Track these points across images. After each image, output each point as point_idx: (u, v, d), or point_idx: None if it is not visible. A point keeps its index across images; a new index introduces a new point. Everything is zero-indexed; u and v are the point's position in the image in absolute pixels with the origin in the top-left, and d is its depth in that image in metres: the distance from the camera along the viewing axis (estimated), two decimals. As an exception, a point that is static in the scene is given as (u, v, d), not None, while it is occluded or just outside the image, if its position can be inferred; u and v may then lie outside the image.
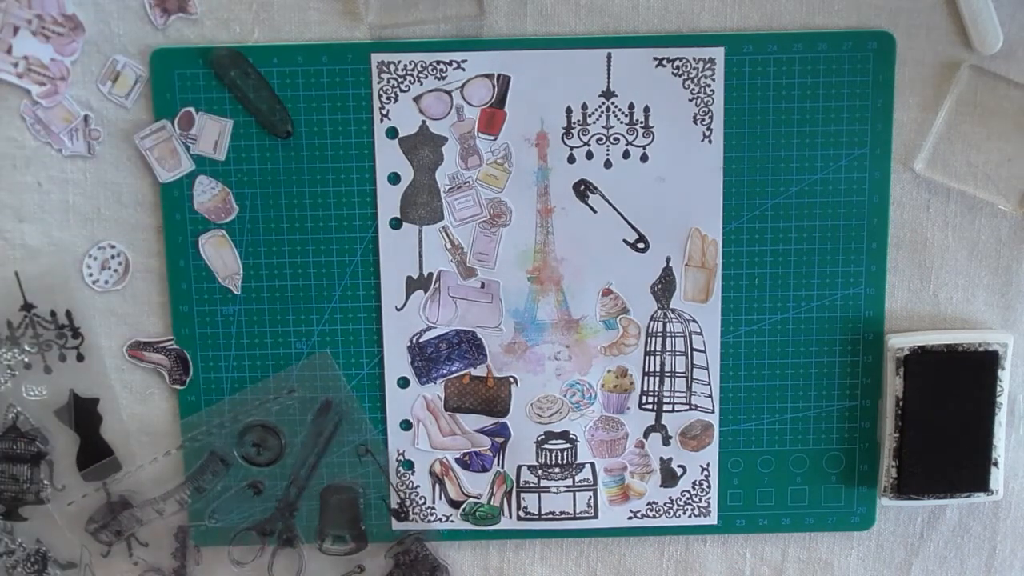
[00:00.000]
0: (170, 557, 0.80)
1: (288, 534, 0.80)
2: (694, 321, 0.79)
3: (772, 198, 0.77)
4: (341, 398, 0.79)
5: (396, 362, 0.79)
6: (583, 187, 0.77)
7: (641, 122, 0.76)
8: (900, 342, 0.77)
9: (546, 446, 0.81)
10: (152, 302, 0.78)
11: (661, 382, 0.80)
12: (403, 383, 0.79)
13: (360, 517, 0.81)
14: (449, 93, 0.76)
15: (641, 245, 0.78)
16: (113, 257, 0.78)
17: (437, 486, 0.81)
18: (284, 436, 0.79)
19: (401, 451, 0.81)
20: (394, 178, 0.77)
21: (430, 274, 0.78)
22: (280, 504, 0.80)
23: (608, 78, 0.75)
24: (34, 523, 0.80)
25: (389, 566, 0.82)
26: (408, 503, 0.81)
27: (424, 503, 0.81)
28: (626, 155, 0.76)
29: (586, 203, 0.77)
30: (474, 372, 0.80)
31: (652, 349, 0.79)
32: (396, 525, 0.81)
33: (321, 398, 0.79)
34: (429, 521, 0.82)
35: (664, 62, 0.75)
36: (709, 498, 0.82)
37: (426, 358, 0.79)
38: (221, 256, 0.78)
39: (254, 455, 0.79)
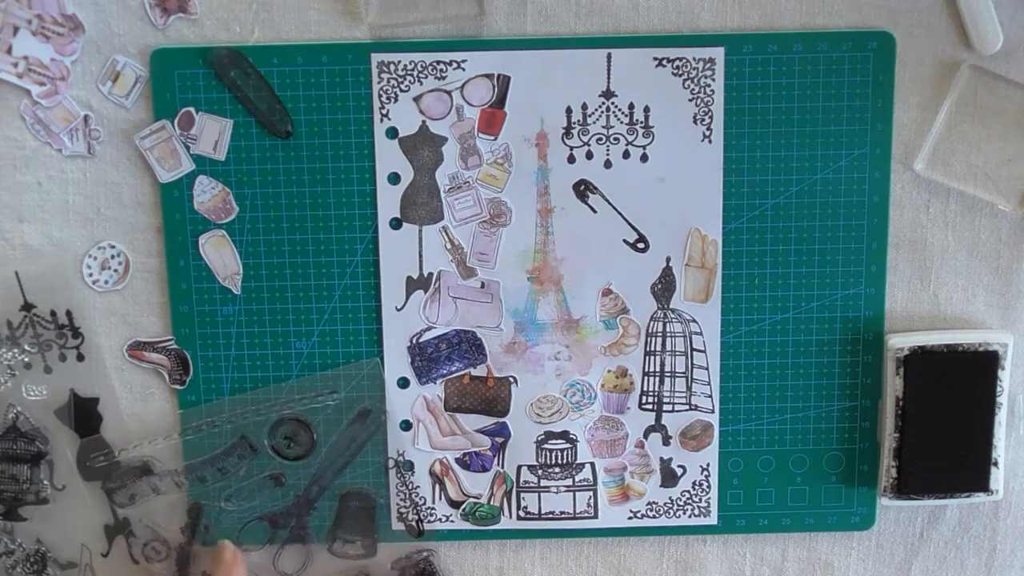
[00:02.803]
0: (178, 532, 0.80)
1: (300, 530, 0.80)
2: (694, 321, 0.79)
3: (772, 198, 0.77)
4: (381, 409, 0.79)
5: (396, 362, 0.79)
6: (583, 187, 0.77)
7: (641, 122, 0.76)
8: (900, 342, 0.77)
9: (546, 446, 0.81)
10: (152, 302, 0.78)
11: (661, 382, 0.80)
12: (403, 383, 0.80)
13: (375, 527, 0.81)
14: (449, 93, 0.76)
15: (641, 245, 0.78)
16: (113, 257, 0.78)
17: (437, 486, 0.81)
18: (317, 434, 0.79)
19: (401, 451, 0.81)
20: (394, 178, 0.77)
21: (430, 274, 0.78)
22: (298, 500, 0.80)
23: (608, 78, 0.75)
24: (34, 523, 0.80)
25: None
26: (424, 520, 0.81)
27: (424, 503, 0.81)
28: (626, 155, 0.76)
29: (586, 203, 0.77)
30: (474, 372, 0.80)
31: (652, 349, 0.79)
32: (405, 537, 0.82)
33: (361, 405, 0.79)
34: (429, 521, 0.82)
35: (664, 62, 0.75)
36: (709, 498, 0.82)
37: (426, 358, 0.79)
38: (221, 256, 0.78)
39: (284, 447, 0.79)
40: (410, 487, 0.81)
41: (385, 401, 0.79)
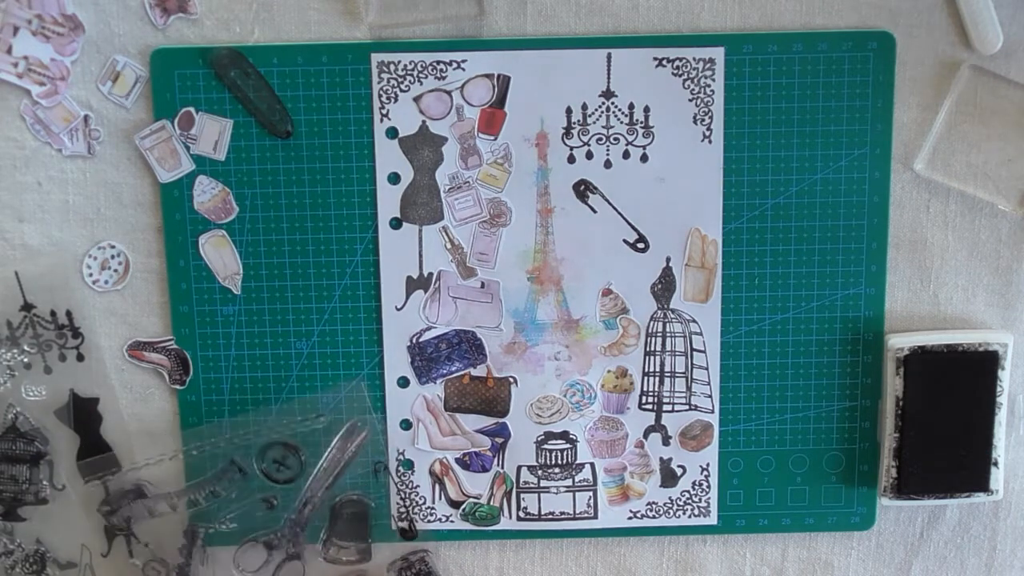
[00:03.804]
0: (176, 553, 0.80)
1: (295, 548, 0.80)
2: (694, 321, 0.79)
3: (772, 198, 0.77)
4: (367, 423, 0.79)
5: (396, 362, 0.79)
6: (583, 187, 0.77)
7: (641, 122, 0.76)
8: (900, 342, 0.77)
9: (546, 446, 0.81)
10: (152, 302, 0.78)
11: (661, 382, 0.80)
12: (403, 383, 0.79)
13: (368, 532, 0.81)
14: (449, 93, 0.76)
15: (641, 245, 0.78)
16: (113, 257, 0.78)
17: (437, 486, 0.81)
18: (305, 456, 0.79)
19: (401, 451, 0.81)
20: (394, 178, 0.77)
21: (430, 274, 0.78)
22: (290, 521, 0.80)
23: (608, 78, 0.75)
24: (34, 523, 0.80)
25: None
26: (416, 522, 0.81)
27: (424, 503, 0.81)
28: (626, 155, 0.76)
29: (586, 203, 0.77)
30: (474, 372, 0.80)
31: (652, 349, 0.79)
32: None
33: (347, 422, 0.79)
34: (429, 521, 0.82)
35: (664, 62, 0.75)
36: (709, 498, 0.82)
37: (426, 358, 0.79)
38: (221, 256, 0.78)
39: (273, 472, 0.79)
40: (408, 488, 0.81)
41: (374, 418, 0.79)
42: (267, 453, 0.79)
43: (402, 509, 0.81)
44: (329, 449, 0.79)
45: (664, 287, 0.78)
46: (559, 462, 0.81)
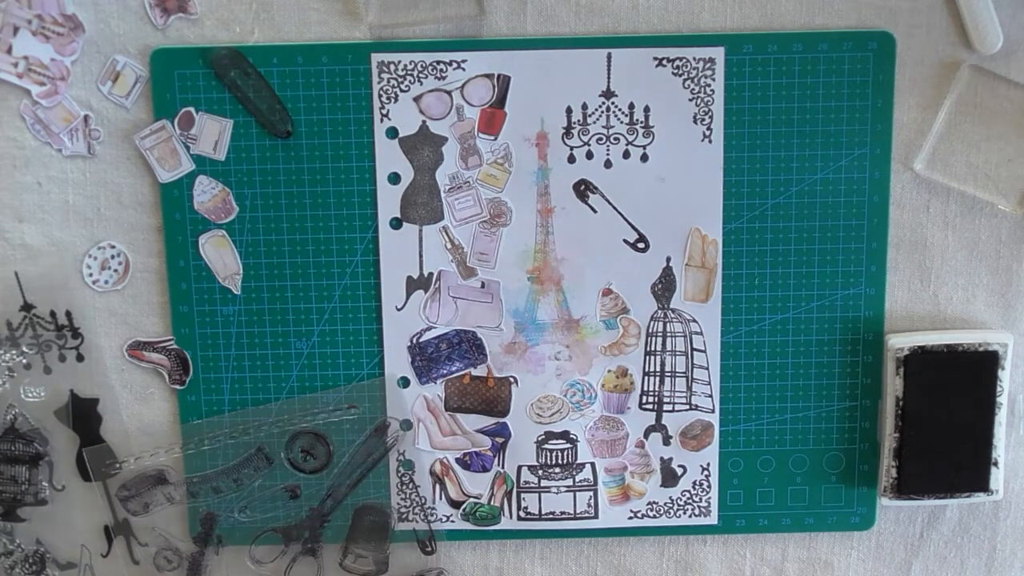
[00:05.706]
0: (191, 542, 0.80)
1: (312, 543, 0.80)
2: (694, 321, 0.79)
3: (772, 198, 0.77)
4: (400, 423, 0.79)
5: (396, 362, 0.79)
6: (583, 187, 0.77)
7: (641, 122, 0.76)
8: (900, 342, 0.77)
9: (546, 446, 0.81)
10: (152, 302, 0.78)
11: (661, 382, 0.80)
12: (403, 383, 0.79)
13: (388, 542, 0.81)
14: (449, 93, 0.76)
15: (641, 245, 0.78)
16: (113, 257, 0.78)
17: (437, 486, 0.81)
18: (334, 447, 0.79)
19: (401, 451, 0.81)
20: (394, 178, 0.77)
21: (430, 274, 0.78)
22: (312, 513, 0.80)
23: (608, 78, 0.75)
24: (33, 524, 0.80)
25: None
26: (435, 539, 0.82)
27: (424, 503, 0.81)
28: (626, 155, 0.76)
29: (586, 203, 0.77)
30: (474, 372, 0.80)
31: (652, 349, 0.79)
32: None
33: (380, 419, 0.79)
34: (430, 521, 0.82)
35: (664, 62, 0.75)
36: (709, 498, 0.82)
37: (426, 358, 0.79)
38: (221, 256, 0.78)
39: (301, 461, 0.79)
40: (411, 487, 0.81)
41: (404, 417, 0.79)
42: (295, 442, 0.79)
43: (405, 509, 0.81)
44: (359, 442, 0.79)
45: (664, 287, 0.78)
46: (559, 462, 0.81)
